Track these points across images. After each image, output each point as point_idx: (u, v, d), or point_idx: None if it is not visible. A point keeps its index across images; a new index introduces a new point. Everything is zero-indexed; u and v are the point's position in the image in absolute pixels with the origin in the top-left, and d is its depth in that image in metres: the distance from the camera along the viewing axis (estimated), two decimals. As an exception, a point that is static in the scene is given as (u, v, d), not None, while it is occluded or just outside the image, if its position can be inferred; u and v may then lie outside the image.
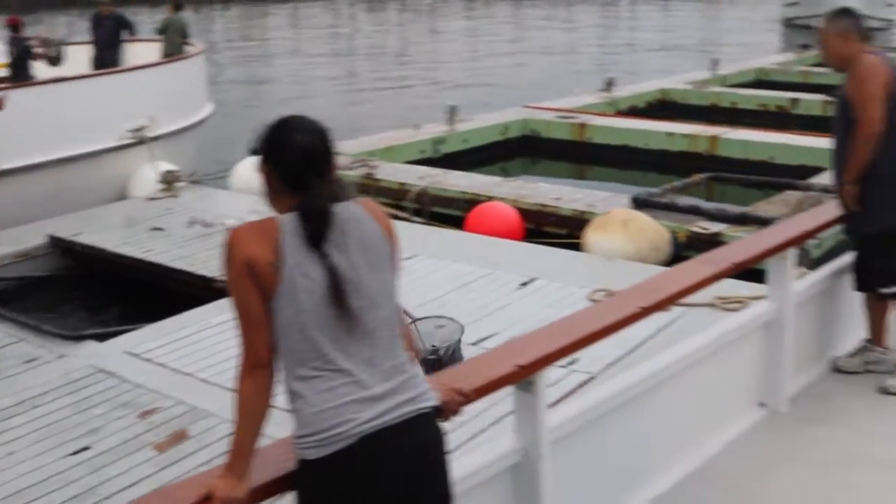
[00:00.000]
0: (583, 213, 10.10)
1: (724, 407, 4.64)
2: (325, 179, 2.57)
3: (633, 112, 18.83)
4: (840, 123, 5.18)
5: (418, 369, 2.69)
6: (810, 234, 4.99)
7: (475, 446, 4.53)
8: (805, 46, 28.34)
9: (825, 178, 11.63)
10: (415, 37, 42.74)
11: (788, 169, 13.31)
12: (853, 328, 5.45)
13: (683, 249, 8.91)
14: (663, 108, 19.90)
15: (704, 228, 9.38)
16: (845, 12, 5.23)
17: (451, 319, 5.85)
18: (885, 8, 42.44)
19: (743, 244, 4.69)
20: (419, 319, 5.68)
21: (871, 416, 4.79)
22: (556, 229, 10.26)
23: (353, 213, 2.60)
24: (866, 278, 5.21)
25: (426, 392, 2.66)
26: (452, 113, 15.46)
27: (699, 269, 4.24)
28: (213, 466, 2.69)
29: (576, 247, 8.90)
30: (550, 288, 7.36)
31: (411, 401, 2.60)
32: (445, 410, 2.79)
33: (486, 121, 16.23)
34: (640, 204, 10.21)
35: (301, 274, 2.48)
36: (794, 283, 4.89)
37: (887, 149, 4.97)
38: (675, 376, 4.14)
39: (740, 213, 9.64)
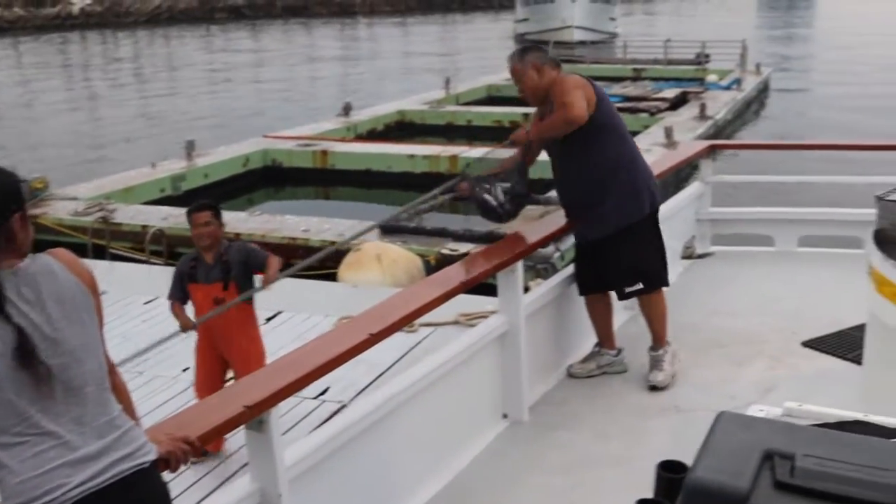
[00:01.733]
0: (333, 243, 10.09)
1: (469, 422, 4.69)
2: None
3: (373, 135, 19.06)
4: (556, 149, 5.29)
5: (132, 423, 2.55)
6: (535, 247, 5.09)
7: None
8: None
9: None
10: (148, 67, 41.54)
11: (529, 183, 13.77)
12: (587, 334, 5.66)
13: (437, 272, 9.03)
14: (402, 129, 20.25)
15: (453, 250, 9.55)
16: (531, 48, 5.34)
17: None
18: (609, 22, 44.97)
19: (471, 261, 4.73)
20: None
21: (606, 418, 4.95)
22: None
23: (45, 266, 2.43)
24: (612, 281, 5.41)
25: (144, 446, 2.51)
26: (190, 147, 15.09)
27: (428, 291, 4.25)
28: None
29: (329, 277, 8.87)
30: (297, 320, 7.28)
31: (128, 457, 2.45)
32: (171, 462, 2.64)
33: (225, 153, 15.95)
34: (388, 231, 10.27)
35: None
36: (524, 296, 5.00)
37: (611, 156, 5.20)
38: (416, 396, 4.14)
39: (486, 231, 9.86)
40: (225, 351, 5.23)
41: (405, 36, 56.81)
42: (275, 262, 5.24)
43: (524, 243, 4.93)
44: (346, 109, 19.65)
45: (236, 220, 11.24)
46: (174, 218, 11.39)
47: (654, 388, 5.23)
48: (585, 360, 5.49)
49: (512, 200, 5.20)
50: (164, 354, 6.38)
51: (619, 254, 5.24)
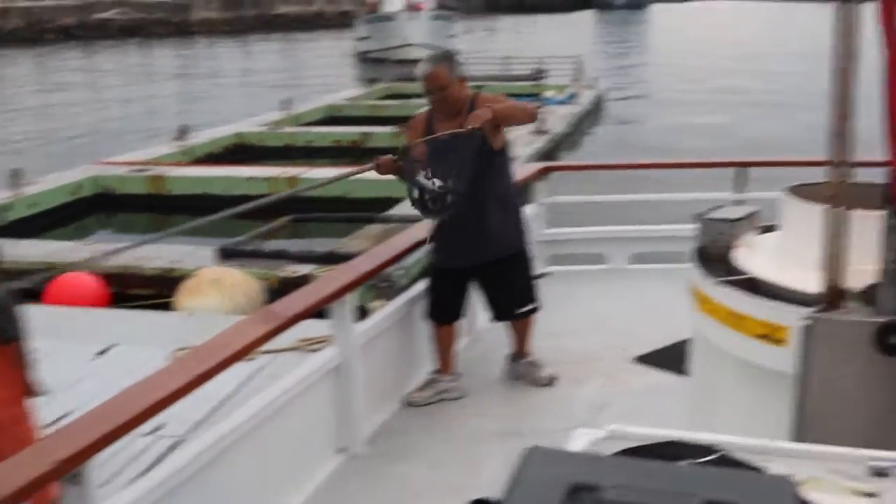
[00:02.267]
0: (170, 270, 9.83)
1: (305, 457, 4.59)
2: None
3: (211, 159, 18.71)
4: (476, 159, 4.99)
5: None
6: (368, 276, 5.06)
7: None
8: (372, 80, 29.64)
9: (401, 209, 12.23)
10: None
11: (366, 202, 13.80)
12: (425, 359, 5.65)
13: (277, 296, 8.89)
14: (240, 152, 19.93)
15: (294, 272, 9.44)
16: (454, 56, 5.28)
17: None
18: (449, 39, 45.42)
19: (303, 294, 4.63)
20: None
21: (445, 447, 4.93)
22: (142, 290, 9.89)
23: None
24: (504, 302, 5.46)
25: None
26: (16, 176, 14.47)
27: (256, 327, 4.13)
28: None
29: (167, 306, 8.63)
30: (131, 353, 7.03)
31: None
32: None
33: (54, 181, 15.33)
34: (226, 255, 10.10)
35: None
36: (357, 325, 4.94)
37: (513, 179, 5.36)
38: (247, 435, 4.02)
39: (327, 252, 9.81)
40: None
41: (246, 56, 56.07)
42: None
43: (352, 275, 4.84)
44: (182, 132, 19.22)
45: (66, 251, 10.82)
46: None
47: (552, 379, 5.51)
48: (423, 387, 5.47)
49: (443, 197, 4.88)
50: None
51: (514, 275, 5.37)
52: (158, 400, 3.35)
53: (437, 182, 4.88)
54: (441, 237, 5.24)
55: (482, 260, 5.32)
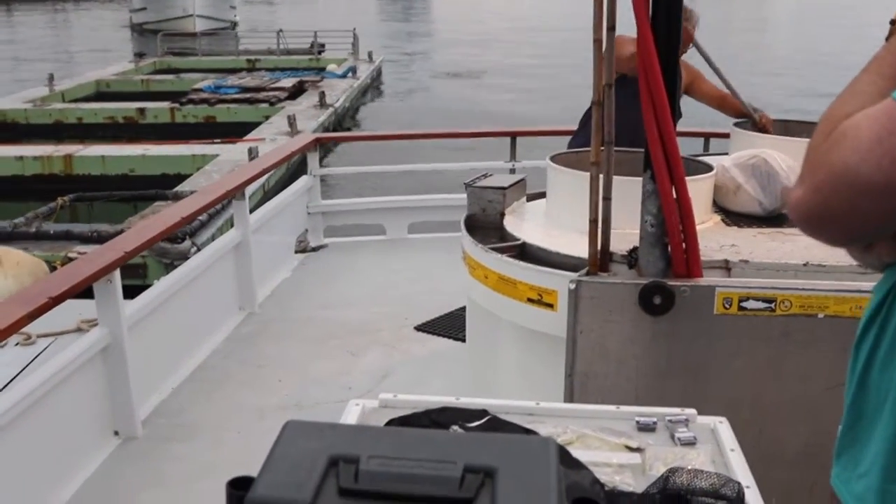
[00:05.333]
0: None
1: (78, 443, 4.41)
2: None
3: (-33, 137, 17.68)
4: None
5: None
6: (135, 253, 4.83)
7: None
8: (140, 55, 28.68)
9: (190, 185, 11.94)
10: None
11: (150, 179, 13.43)
12: (202, 337, 5.60)
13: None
14: (3, 129, 18.91)
15: (82, 252, 9.04)
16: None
17: None
18: (229, 10, 44.36)
19: (61, 275, 4.42)
20: None
21: (224, 424, 4.84)
22: None
23: None
24: None
25: None
26: None
27: (10, 310, 3.90)
28: None
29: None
30: None
31: None
32: None
33: None
34: (3, 238, 9.56)
35: None
36: (127, 304, 4.77)
37: None
38: (13, 422, 3.83)
39: (115, 231, 9.43)
40: None
41: (10, 26, 53.10)
42: None
43: (117, 252, 4.61)
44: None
45: None
46: None
47: None
48: None
49: None
50: None
51: None
52: None
53: None
54: None
55: None
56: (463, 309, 5.54)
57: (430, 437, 1.33)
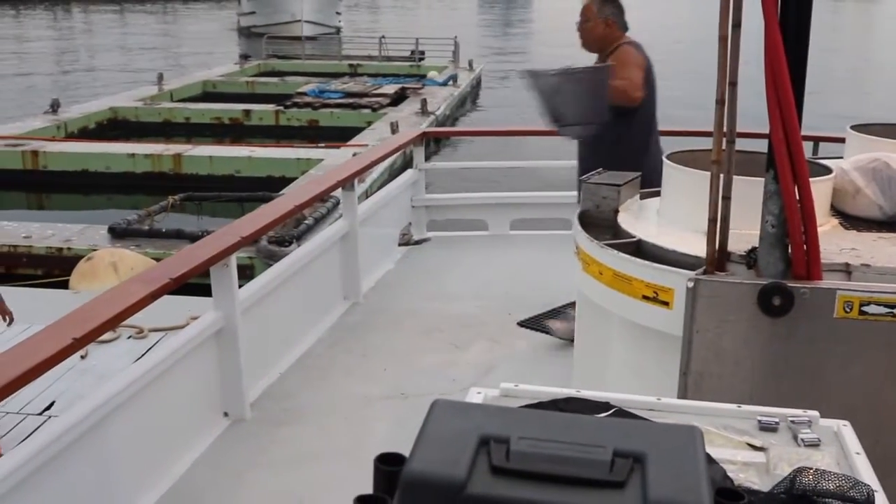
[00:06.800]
0: (60, 249, 9.56)
1: (189, 423, 4.54)
2: None
3: (85, 134, 18.24)
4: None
5: None
6: (250, 238, 4.96)
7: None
8: (245, 57, 29.18)
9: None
10: None
11: (255, 181, 13.64)
12: (311, 323, 5.68)
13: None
14: (115, 127, 19.49)
15: (193, 252, 9.28)
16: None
17: None
18: (335, 16, 44.77)
19: (180, 258, 4.55)
20: None
21: (331, 410, 4.94)
22: (30, 270, 9.60)
23: None
24: None
25: None
26: None
27: (135, 289, 4.04)
28: None
29: (58, 288, 8.39)
30: (13, 332, 6.80)
31: None
32: None
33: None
34: (118, 234, 9.86)
35: None
36: (240, 290, 4.90)
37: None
38: (129, 401, 3.95)
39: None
40: None
41: (123, 26, 54.55)
42: None
43: (233, 238, 4.76)
44: (54, 106, 18.65)
45: None
46: None
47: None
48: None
49: None
50: None
51: None
52: (35, 364, 3.24)
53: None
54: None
55: None
56: (568, 306, 5.55)
57: (578, 422, 1.35)
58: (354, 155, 13.02)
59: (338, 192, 6.54)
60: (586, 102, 4.88)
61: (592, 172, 4.21)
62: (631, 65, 5.21)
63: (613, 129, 5.13)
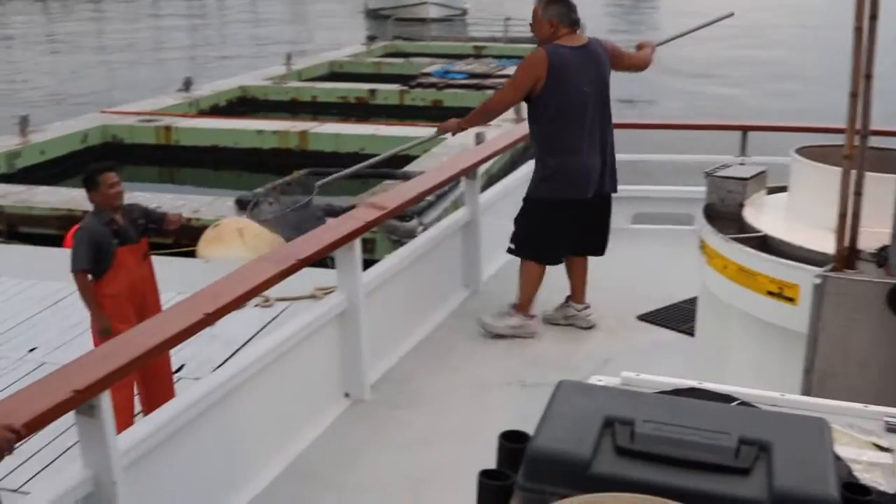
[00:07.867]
0: (189, 220, 9.86)
1: (311, 401, 4.66)
2: None
3: (216, 111, 18.69)
4: (598, 112, 5.51)
5: None
6: (374, 223, 5.05)
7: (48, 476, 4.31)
8: (372, 38, 29.41)
9: (418, 166, 12.23)
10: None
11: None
12: (432, 307, 5.76)
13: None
14: (245, 105, 19.90)
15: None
16: (561, 3, 5.51)
17: None
18: None
19: (307, 240, 4.67)
20: None
21: (448, 394, 5.00)
22: (161, 239, 9.93)
23: None
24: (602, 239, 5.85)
25: None
26: (24, 124, 14.46)
27: (263, 268, 4.17)
28: None
29: (187, 256, 8.67)
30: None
31: None
32: None
33: (62, 129, 15.30)
34: (245, 206, 10.12)
35: None
36: (364, 273, 4.98)
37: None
38: (254, 377, 4.09)
39: (347, 206, 9.77)
40: (149, 310, 5.03)
41: (252, 8, 55.66)
42: (172, 215, 5.38)
43: (360, 221, 4.86)
44: (187, 84, 19.16)
45: (82, 198, 10.83)
46: (13, 196, 11.02)
47: (483, 326, 5.66)
48: (557, 308, 5.84)
49: None
50: (8, 335, 6.27)
51: (606, 215, 5.78)
52: (172, 335, 3.40)
53: None
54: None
55: (606, 190, 5.69)
56: (688, 301, 5.50)
57: (702, 408, 1.37)
58: (477, 136, 13.05)
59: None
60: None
61: (718, 166, 4.18)
62: (518, 70, 5.62)
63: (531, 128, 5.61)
